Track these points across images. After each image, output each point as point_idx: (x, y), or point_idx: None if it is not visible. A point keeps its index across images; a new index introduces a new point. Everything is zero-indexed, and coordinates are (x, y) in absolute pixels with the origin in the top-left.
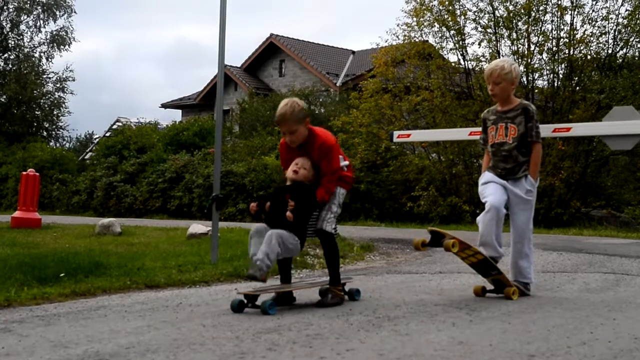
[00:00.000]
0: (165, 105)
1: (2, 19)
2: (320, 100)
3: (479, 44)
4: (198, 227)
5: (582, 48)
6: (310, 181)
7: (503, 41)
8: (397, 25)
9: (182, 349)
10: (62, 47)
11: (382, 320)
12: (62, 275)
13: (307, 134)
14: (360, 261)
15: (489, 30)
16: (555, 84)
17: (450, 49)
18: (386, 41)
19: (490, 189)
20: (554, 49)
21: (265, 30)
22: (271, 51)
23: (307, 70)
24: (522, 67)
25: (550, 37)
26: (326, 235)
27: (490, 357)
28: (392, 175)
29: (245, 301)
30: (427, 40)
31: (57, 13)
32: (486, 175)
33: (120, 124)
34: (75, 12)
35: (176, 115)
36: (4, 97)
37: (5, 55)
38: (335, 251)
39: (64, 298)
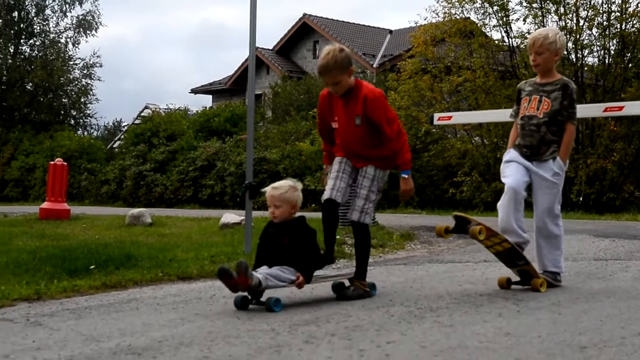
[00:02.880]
0: (195, 91)
1: (27, 3)
2: None
3: (524, 20)
4: (231, 216)
5: (635, 22)
6: (294, 208)
7: (550, 16)
8: (437, 2)
9: (216, 342)
10: (88, 32)
11: (424, 311)
12: (92, 267)
13: (352, 83)
14: (401, 250)
15: (534, 5)
16: (607, 61)
17: (494, 26)
18: (425, 19)
19: (511, 169)
20: (605, 23)
21: (296, 9)
22: (304, 32)
23: None
24: (570, 44)
25: (601, 11)
26: (362, 227)
27: (539, 349)
28: (433, 160)
29: (250, 297)
30: (469, 17)
31: None
32: (510, 154)
33: (149, 110)
34: None
35: (206, 100)
36: (30, 84)
37: (31, 41)
38: (368, 243)
39: (95, 290)
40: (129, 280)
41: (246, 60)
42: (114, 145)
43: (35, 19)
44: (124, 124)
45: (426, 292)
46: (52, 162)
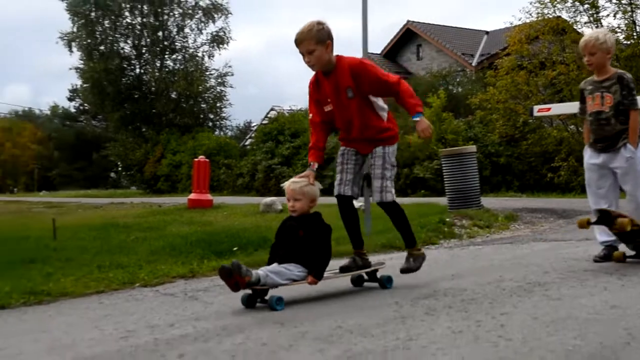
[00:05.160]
0: None
1: (169, 24)
2: (457, 80)
3: (614, 16)
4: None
5: None
6: (313, 202)
7: (639, 11)
8: (530, 3)
9: (350, 314)
10: (221, 45)
11: (533, 285)
12: (235, 249)
13: (331, 61)
14: (505, 230)
15: (623, 1)
16: None
17: (585, 23)
18: (519, 19)
19: (590, 190)
20: None
21: (399, 16)
22: (408, 37)
23: (443, 53)
24: None
25: None
26: (388, 205)
27: None
28: (531, 148)
29: (254, 295)
30: (560, 16)
31: (216, 15)
32: (587, 154)
33: (274, 112)
34: (231, 13)
35: None
36: (174, 93)
37: (174, 56)
38: (402, 216)
39: None
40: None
41: None
42: (246, 143)
43: (176, 37)
44: (253, 124)
45: (533, 268)
46: (196, 160)
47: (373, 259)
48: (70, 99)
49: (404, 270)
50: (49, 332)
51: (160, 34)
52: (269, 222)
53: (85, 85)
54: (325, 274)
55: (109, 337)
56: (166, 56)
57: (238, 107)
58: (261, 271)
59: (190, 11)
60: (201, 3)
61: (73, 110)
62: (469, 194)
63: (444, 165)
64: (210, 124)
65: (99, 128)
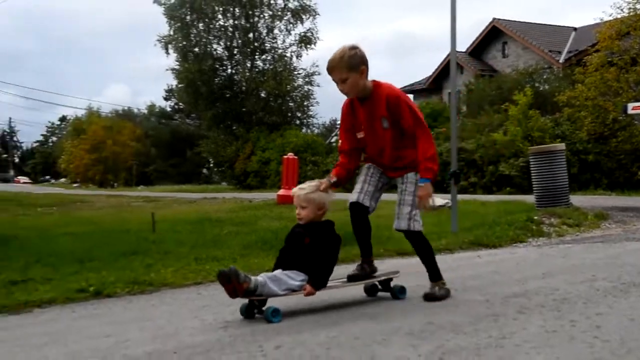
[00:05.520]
0: None
1: (259, 26)
2: (544, 77)
3: None
4: (436, 199)
5: None
6: (321, 209)
7: None
8: None
9: (435, 310)
10: (308, 46)
11: (628, 286)
12: None
13: (366, 87)
14: (596, 229)
15: None
16: None
17: None
18: (610, 15)
19: None
20: None
21: (483, 13)
22: (494, 34)
23: (529, 50)
24: None
25: None
26: (414, 234)
27: None
28: (621, 146)
29: (252, 305)
30: None
31: (304, 17)
32: None
33: None
34: (318, 14)
35: None
36: (264, 92)
37: (264, 56)
38: (427, 247)
39: None
40: (356, 256)
41: (442, 62)
42: (332, 140)
43: (266, 38)
44: (338, 122)
45: (627, 268)
46: (285, 157)
47: (465, 254)
48: (166, 99)
49: (428, 296)
50: (152, 321)
51: (250, 35)
52: None
53: (180, 85)
54: (332, 283)
55: (209, 327)
56: (256, 57)
57: (324, 105)
58: (261, 278)
59: (279, 13)
60: (290, 5)
61: (169, 109)
62: (557, 192)
63: (532, 163)
64: (298, 122)
65: (193, 126)
